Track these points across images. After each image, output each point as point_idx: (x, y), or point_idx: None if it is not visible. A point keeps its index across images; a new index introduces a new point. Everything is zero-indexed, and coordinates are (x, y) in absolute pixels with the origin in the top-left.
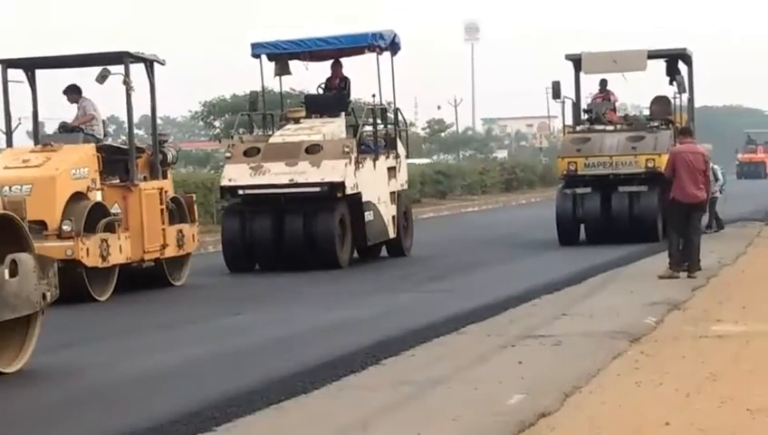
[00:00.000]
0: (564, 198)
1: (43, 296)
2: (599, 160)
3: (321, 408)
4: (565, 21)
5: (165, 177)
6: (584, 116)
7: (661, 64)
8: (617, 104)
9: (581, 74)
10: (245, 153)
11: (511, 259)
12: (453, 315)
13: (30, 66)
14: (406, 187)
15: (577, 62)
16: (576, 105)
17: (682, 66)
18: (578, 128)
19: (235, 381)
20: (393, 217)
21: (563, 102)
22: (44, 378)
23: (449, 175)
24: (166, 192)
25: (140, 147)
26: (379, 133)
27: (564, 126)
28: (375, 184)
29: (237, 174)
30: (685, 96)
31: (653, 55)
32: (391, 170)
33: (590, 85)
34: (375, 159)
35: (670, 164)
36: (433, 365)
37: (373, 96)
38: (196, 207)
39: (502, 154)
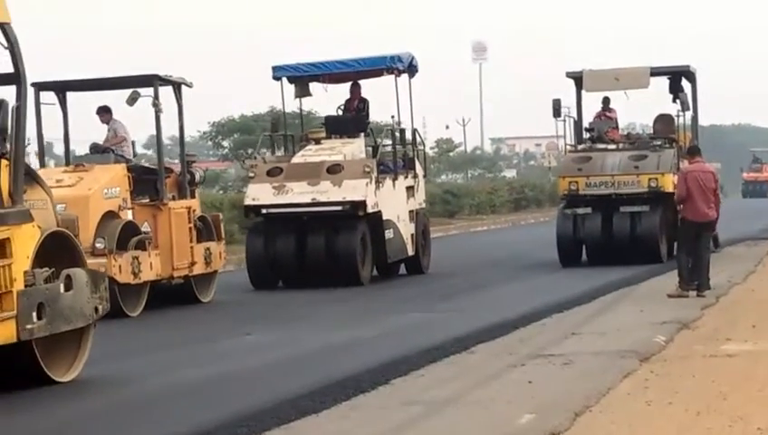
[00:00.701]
0: (565, 218)
1: (95, 310)
2: (600, 180)
3: (332, 428)
4: (574, 40)
5: (193, 196)
6: (586, 135)
7: (664, 82)
8: (621, 123)
9: (583, 92)
10: (268, 173)
11: (520, 278)
12: (462, 335)
13: (62, 89)
14: (424, 205)
15: (578, 79)
16: (578, 124)
17: (686, 84)
18: (579, 147)
19: (246, 401)
20: (412, 235)
21: (564, 121)
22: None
23: (458, 195)
24: (194, 211)
25: (169, 167)
26: (397, 153)
27: (566, 145)
28: (394, 203)
29: (260, 193)
30: (689, 114)
31: (656, 73)
32: (410, 190)
33: (595, 102)
34: (394, 179)
35: (682, 184)
36: (442, 385)
37: (392, 117)
38: (222, 225)
39: (510, 174)
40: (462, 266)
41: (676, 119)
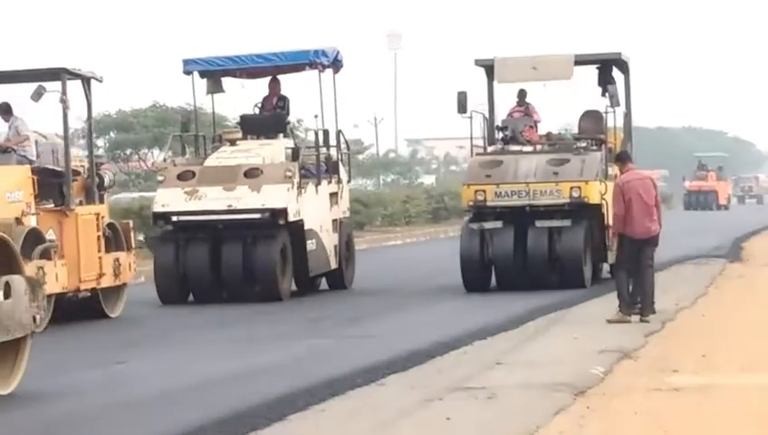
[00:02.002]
0: (470, 234)
1: (34, 319)
2: (512, 189)
3: None
4: (505, 30)
5: (101, 201)
6: (499, 134)
7: (593, 72)
8: (539, 124)
9: (496, 84)
10: (179, 177)
11: (438, 300)
12: (371, 364)
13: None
14: (348, 214)
15: (489, 69)
16: (489, 121)
17: (618, 75)
18: (489, 149)
19: None
20: (335, 246)
21: (471, 118)
22: None
23: (367, 204)
24: (102, 218)
25: (76, 169)
26: (320, 157)
27: (472, 147)
28: (317, 211)
29: (171, 199)
30: (620, 111)
31: (581, 61)
32: (333, 196)
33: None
34: (317, 185)
35: (619, 198)
36: (347, 422)
37: (315, 117)
38: (133, 234)
39: (429, 180)
40: (372, 286)
41: (605, 116)
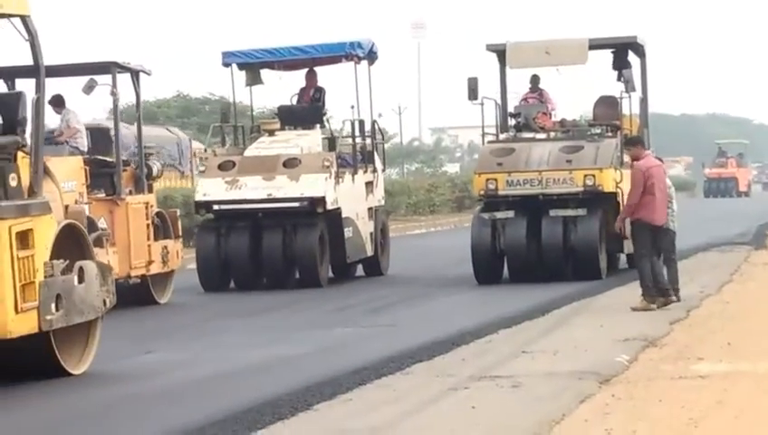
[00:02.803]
0: (481, 224)
1: (104, 302)
2: (524, 177)
3: None
4: (528, 16)
5: (150, 190)
6: (511, 121)
7: (608, 57)
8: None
9: (507, 69)
10: (220, 167)
11: (463, 289)
12: (396, 353)
13: (11, 76)
14: (383, 202)
15: (501, 54)
16: (502, 108)
17: (633, 59)
18: (501, 136)
19: (142, 431)
20: (371, 233)
21: (482, 105)
22: None
23: (392, 193)
24: (151, 206)
25: (126, 160)
26: (356, 146)
27: (483, 134)
28: (354, 199)
29: (212, 188)
30: (636, 96)
31: (596, 45)
32: (369, 185)
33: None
34: (353, 174)
35: (639, 184)
36: (373, 411)
37: (351, 107)
38: (180, 222)
39: (453, 168)
40: (396, 275)
41: (620, 102)
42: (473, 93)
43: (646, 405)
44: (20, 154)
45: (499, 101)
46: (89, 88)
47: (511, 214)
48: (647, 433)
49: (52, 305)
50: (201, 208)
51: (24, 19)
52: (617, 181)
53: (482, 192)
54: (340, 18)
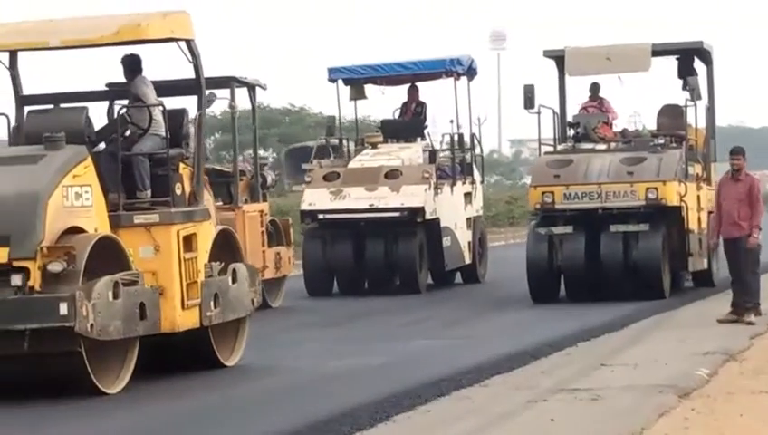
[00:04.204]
0: (537, 240)
1: (252, 301)
2: (583, 190)
3: None
4: (609, 26)
5: (264, 199)
6: (570, 132)
7: (672, 64)
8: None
9: (567, 77)
10: (325, 178)
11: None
12: (475, 365)
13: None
14: (481, 213)
15: (559, 60)
16: (561, 117)
17: (699, 66)
18: (559, 147)
19: None
20: (469, 242)
21: (539, 114)
22: None
23: None
24: (265, 214)
25: (242, 170)
26: (455, 159)
27: (540, 145)
28: (452, 209)
29: (317, 198)
30: (702, 104)
31: (660, 51)
32: (467, 196)
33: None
34: (452, 185)
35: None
36: (452, 423)
37: (451, 121)
38: (291, 230)
39: None
40: (474, 286)
41: (685, 111)
42: (529, 102)
43: (726, 419)
44: (181, 165)
45: (557, 111)
46: (208, 102)
47: (569, 229)
48: None
49: (212, 303)
50: (307, 217)
51: (188, 43)
52: (681, 195)
53: (538, 205)
54: (421, 31)
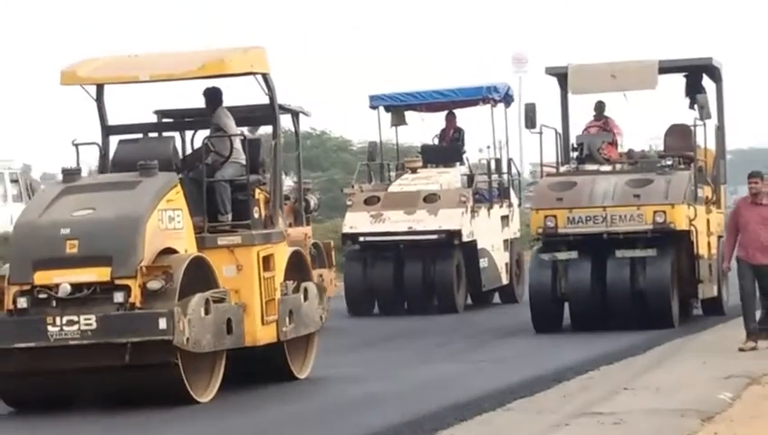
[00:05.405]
0: (540, 266)
1: (321, 318)
2: (587, 213)
3: None
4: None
5: (308, 223)
6: (573, 153)
7: (680, 81)
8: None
9: (570, 95)
10: (366, 202)
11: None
12: (497, 389)
13: (180, 116)
14: (518, 235)
15: (562, 77)
16: (564, 137)
17: (708, 83)
18: (562, 168)
19: None
20: (506, 263)
21: (540, 133)
22: None
23: None
24: (309, 237)
25: (286, 194)
26: (492, 183)
27: (542, 166)
28: (489, 232)
29: (358, 222)
30: (711, 123)
31: (667, 68)
32: (504, 219)
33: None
34: (489, 208)
35: None
36: None
37: (487, 147)
38: (333, 253)
39: None
40: (498, 308)
41: (693, 130)
42: (530, 121)
43: None
44: (257, 190)
45: (560, 130)
46: (253, 128)
47: (574, 255)
48: None
49: (287, 319)
50: (348, 240)
51: (265, 76)
52: (690, 218)
53: (540, 230)
54: (443, 54)
